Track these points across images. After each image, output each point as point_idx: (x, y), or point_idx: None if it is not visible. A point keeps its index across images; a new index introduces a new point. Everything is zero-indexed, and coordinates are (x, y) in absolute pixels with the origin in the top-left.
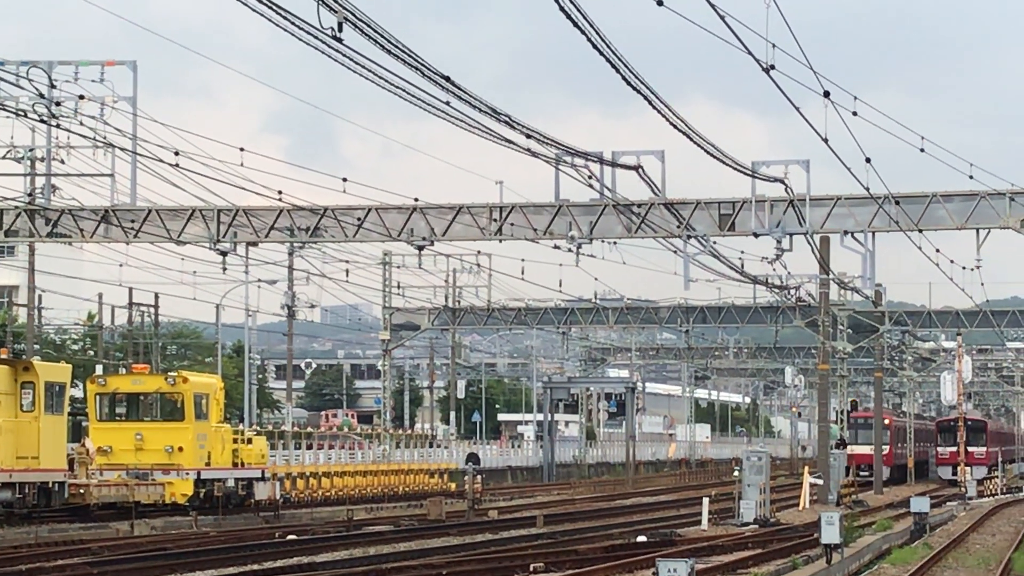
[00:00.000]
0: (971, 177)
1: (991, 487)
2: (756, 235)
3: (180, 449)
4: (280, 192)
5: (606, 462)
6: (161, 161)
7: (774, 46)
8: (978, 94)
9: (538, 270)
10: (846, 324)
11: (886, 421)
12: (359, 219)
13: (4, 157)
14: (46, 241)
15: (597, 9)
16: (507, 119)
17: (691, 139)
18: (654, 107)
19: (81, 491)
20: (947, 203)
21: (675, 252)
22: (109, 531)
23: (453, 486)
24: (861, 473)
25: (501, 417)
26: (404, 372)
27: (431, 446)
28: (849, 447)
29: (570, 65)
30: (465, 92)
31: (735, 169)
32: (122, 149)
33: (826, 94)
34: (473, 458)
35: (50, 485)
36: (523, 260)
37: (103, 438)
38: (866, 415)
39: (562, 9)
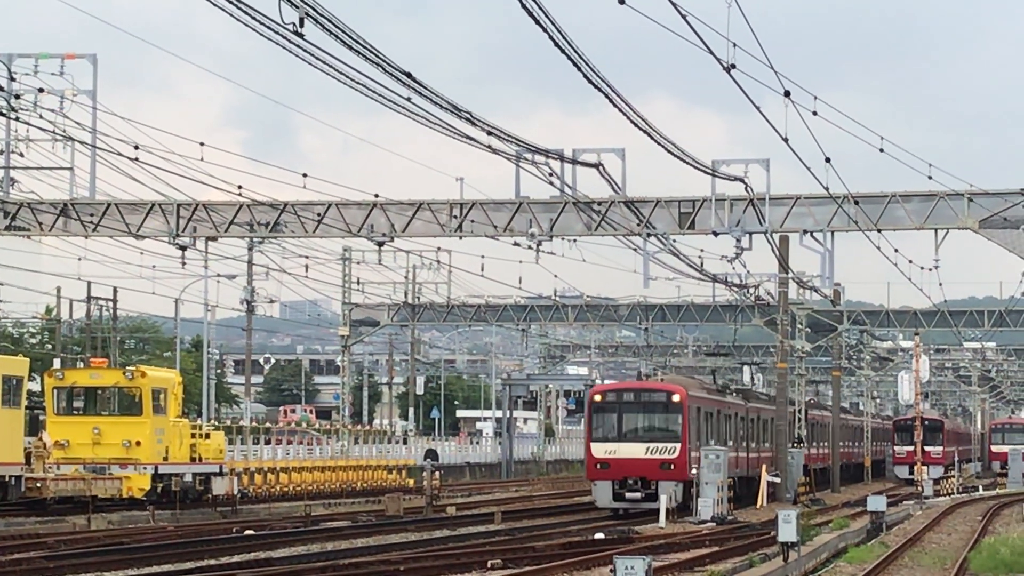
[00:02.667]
0: (930, 178)
1: (947, 486)
2: (716, 234)
3: (138, 444)
4: (240, 187)
5: (564, 459)
6: (120, 155)
7: (735, 45)
8: (938, 95)
9: (498, 267)
10: (805, 323)
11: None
12: (319, 215)
13: None
14: (4, 234)
15: (559, 7)
16: (468, 116)
17: (652, 137)
18: (615, 105)
19: (38, 485)
20: (906, 203)
21: (635, 250)
22: (66, 525)
23: (411, 482)
24: None
25: (460, 414)
26: (363, 368)
27: (390, 442)
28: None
29: (531, 62)
30: (426, 88)
31: (695, 168)
32: (81, 142)
33: (786, 94)
34: (431, 454)
35: (6, 479)
36: (483, 257)
37: (60, 432)
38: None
39: (524, 7)
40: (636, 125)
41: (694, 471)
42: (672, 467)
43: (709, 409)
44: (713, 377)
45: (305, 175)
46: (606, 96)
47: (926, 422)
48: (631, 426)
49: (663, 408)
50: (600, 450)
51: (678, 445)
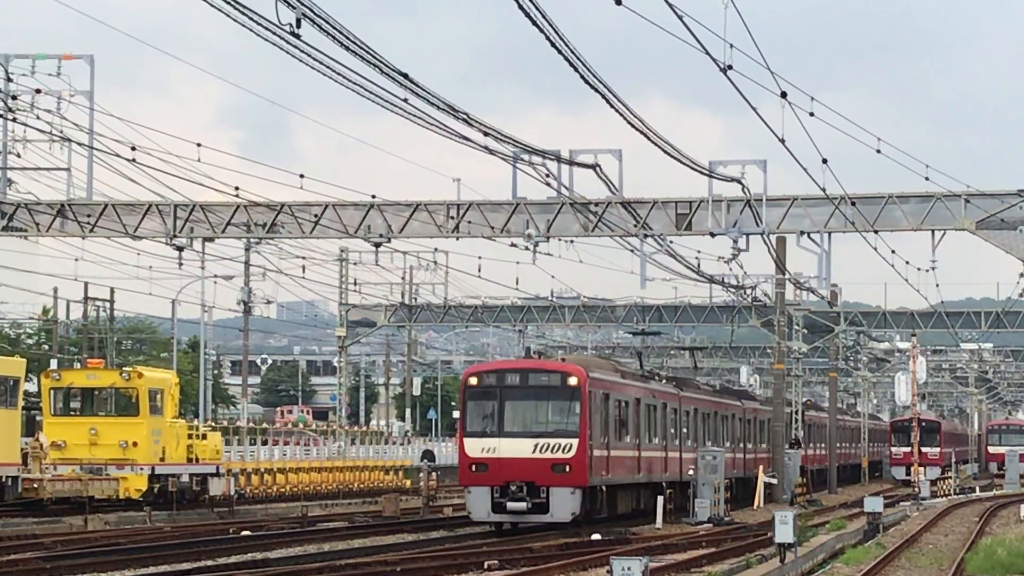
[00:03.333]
0: (927, 179)
1: (944, 487)
2: (713, 235)
3: (134, 444)
4: (237, 188)
5: None
6: (117, 156)
7: (732, 46)
8: (935, 96)
9: (495, 268)
10: (801, 324)
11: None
12: (316, 215)
13: None
14: (1, 235)
15: (555, 7)
16: (465, 116)
17: (649, 138)
18: (612, 106)
19: (35, 486)
20: (903, 204)
21: (632, 251)
22: (62, 526)
23: (408, 483)
24: None
25: (457, 414)
26: (360, 369)
27: (386, 443)
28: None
29: (527, 62)
30: (423, 89)
31: (692, 169)
32: (78, 143)
33: (783, 95)
34: (428, 455)
35: (3, 479)
36: (480, 258)
37: (57, 433)
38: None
39: (521, 7)
40: (633, 126)
41: (603, 474)
42: (568, 469)
43: (622, 397)
44: (639, 360)
45: (302, 176)
46: (603, 97)
47: (923, 423)
48: (516, 417)
49: (557, 394)
50: (476, 447)
51: (575, 442)
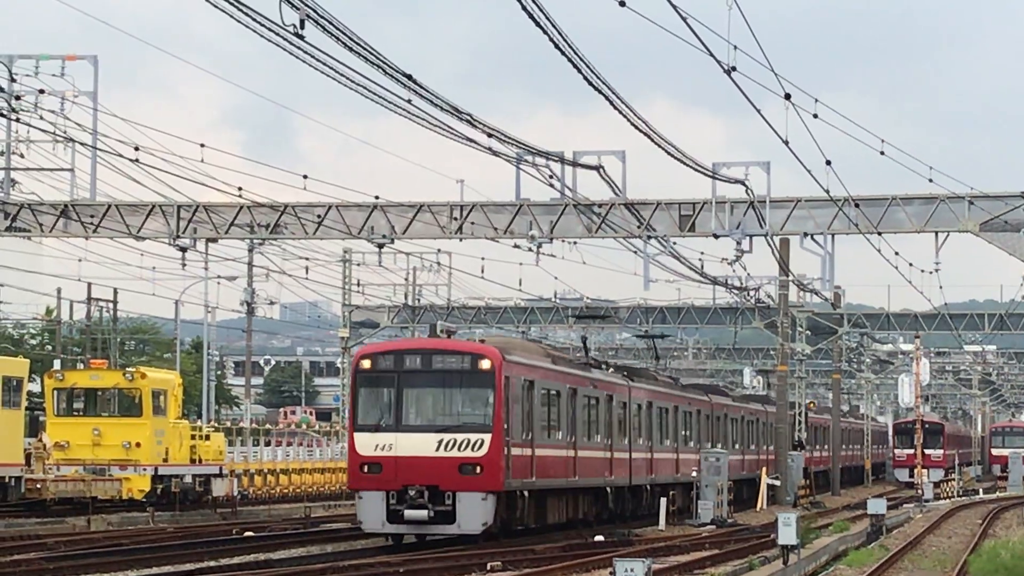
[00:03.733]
0: (931, 180)
1: (948, 490)
2: (716, 236)
3: (137, 445)
4: (240, 188)
5: None
6: (121, 156)
7: (736, 48)
8: (938, 98)
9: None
10: (805, 326)
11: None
12: (319, 216)
13: None
14: (4, 235)
15: (558, 8)
16: (468, 118)
17: (652, 140)
18: (615, 107)
19: (38, 486)
20: (906, 206)
21: (635, 252)
22: (65, 526)
23: None
24: None
25: None
26: None
27: None
28: None
29: (529, 63)
30: (427, 90)
31: (696, 170)
32: (82, 144)
33: (787, 96)
34: None
35: (6, 480)
36: (483, 259)
37: (60, 433)
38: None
39: (524, 8)
40: (636, 127)
41: (525, 477)
42: (479, 470)
43: (552, 386)
44: (584, 346)
45: (306, 177)
46: (606, 98)
47: (926, 425)
48: (416, 408)
49: (466, 380)
50: (368, 444)
51: (487, 437)
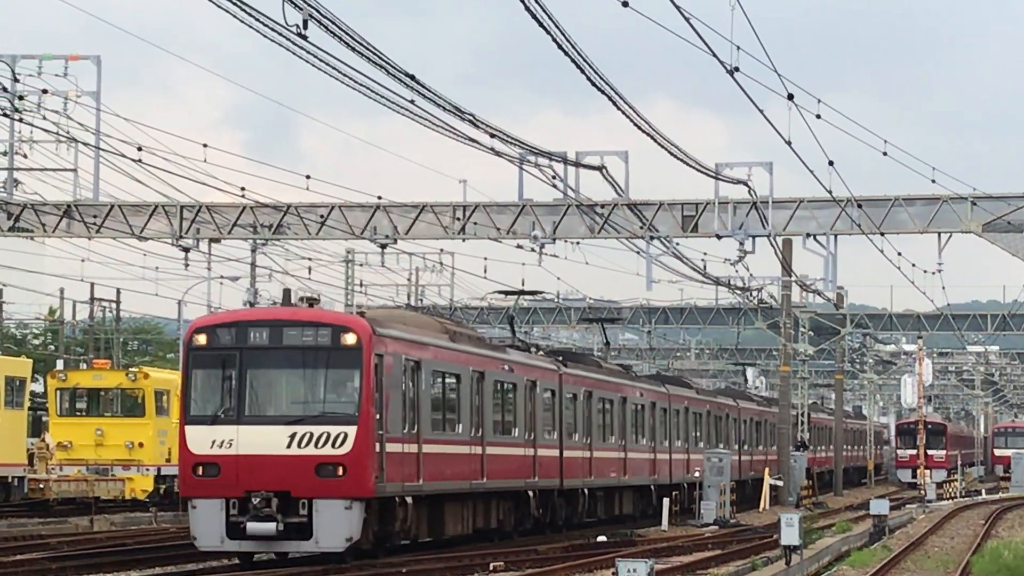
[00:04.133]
0: (933, 181)
1: (950, 490)
2: (719, 236)
3: (140, 445)
4: (243, 188)
5: None
6: (124, 156)
7: (738, 48)
8: (941, 98)
9: (501, 269)
10: (807, 326)
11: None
12: (322, 216)
13: None
14: (8, 236)
15: (560, 8)
16: (471, 118)
17: (655, 140)
18: (618, 108)
19: (40, 486)
20: (909, 207)
21: (638, 253)
22: (68, 526)
23: None
24: None
25: None
26: None
27: None
28: None
29: (531, 63)
30: (429, 90)
31: (698, 170)
32: (85, 144)
33: (790, 97)
34: None
35: (9, 480)
36: (486, 259)
37: (63, 433)
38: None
39: (527, 9)
40: (639, 128)
41: (408, 480)
42: (341, 472)
43: (446, 368)
44: (511, 327)
45: (308, 177)
46: (609, 99)
47: (929, 426)
48: (263, 394)
49: (326, 360)
50: (203, 440)
51: (352, 431)
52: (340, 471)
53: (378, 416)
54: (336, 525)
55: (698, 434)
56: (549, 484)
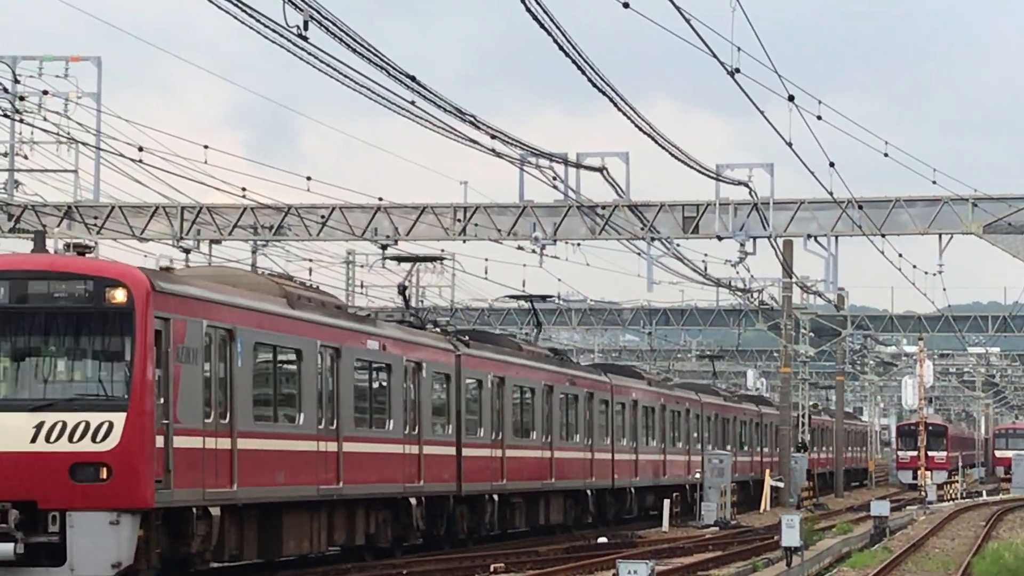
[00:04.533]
0: (934, 182)
1: (951, 491)
2: (720, 238)
3: None
4: (244, 189)
5: None
6: (125, 157)
7: (739, 49)
8: (943, 99)
9: (502, 270)
10: (808, 327)
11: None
12: (323, 218)
13: None
14: (8, 237)
15: (561, 9)
16: (472, 119)
17: (656, 141)
18: (619, 109)
19: None
20: (910, 208)
21: (639, 254)
22: None
23: None
24: None
25: None
26: None
27: None
28: None
29: (532, 64)
30: (430, 91)
31: (699, 172)
32: (86, 145)
33: (791, 98)
34: None
35: None
36: (487, 260)
37: None
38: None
39: (528, 10)
40: (640, 129)
41: (207, 483)
42: (104, 475)
43: (277, 341)
44: (404, 299)
45: (309, 178)
46: (610, 100)
47: (930, 427)
48: (1, 370)
49: (85, 323)
50: None
51: (119, 418)
52: (103, 473)
53: (162, 400)
54: (98, 546)
55: (649, 432)
56: (441, 489)
